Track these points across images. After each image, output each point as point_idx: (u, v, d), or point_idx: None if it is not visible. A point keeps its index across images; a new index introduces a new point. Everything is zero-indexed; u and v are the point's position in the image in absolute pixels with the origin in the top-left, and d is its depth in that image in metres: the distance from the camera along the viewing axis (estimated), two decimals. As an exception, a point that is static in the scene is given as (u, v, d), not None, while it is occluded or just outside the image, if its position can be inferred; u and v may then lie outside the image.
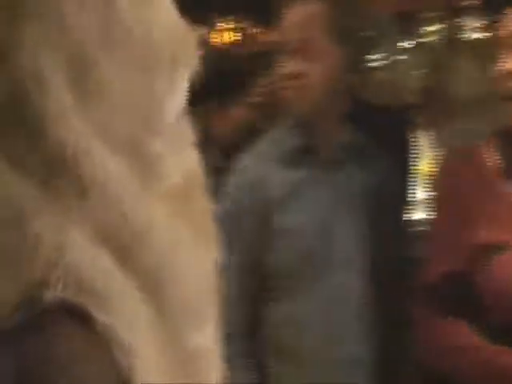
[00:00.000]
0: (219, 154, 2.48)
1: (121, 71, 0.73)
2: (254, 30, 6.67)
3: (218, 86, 2.52)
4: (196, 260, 0.78)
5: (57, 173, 0.69)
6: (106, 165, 0.70)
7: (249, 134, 2.45)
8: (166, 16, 0.79)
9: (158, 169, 0.75)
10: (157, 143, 0.75)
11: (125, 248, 0.70)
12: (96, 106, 0.71)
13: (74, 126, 0.68)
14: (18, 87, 0.69)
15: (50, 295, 0.66)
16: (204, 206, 0.81)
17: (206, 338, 0.80)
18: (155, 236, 0.72)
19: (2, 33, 0.69)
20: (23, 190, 0.67)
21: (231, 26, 6.82)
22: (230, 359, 2.20)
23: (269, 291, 2.20)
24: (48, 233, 0.67)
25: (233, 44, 6.70)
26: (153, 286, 0.71)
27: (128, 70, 0.73)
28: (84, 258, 0.67)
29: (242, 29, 6.86)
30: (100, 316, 0.66)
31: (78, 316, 0.66)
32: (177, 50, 0.78)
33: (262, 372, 2.21)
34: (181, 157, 0.78)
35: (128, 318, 0.68)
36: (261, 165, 2.21)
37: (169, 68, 0.77)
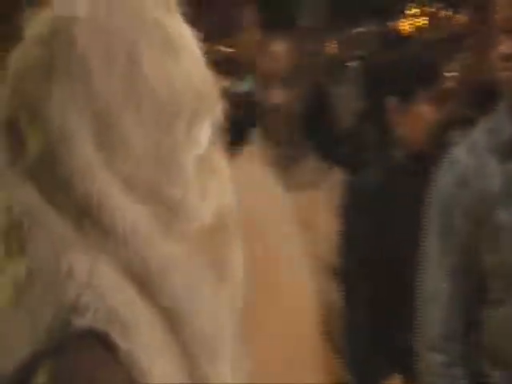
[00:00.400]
0: (408, 158, 2.35)
1: (141, 125, 0.78)
2: (444, 14, 6.48)
3: (401, 78, 2.38)
4: (215, 299, 0.82)
5: (85, 215, 0.76)
6: (125, 211, 0.77)
7: (444, 131, 2.30)
8: (191, 68, 0.82)
9: (180, 213, 0.80)
10: (177, 190, 0.80)
11: (145, 284, 0.77)
12: (118, 157, 0.77)
13: (97, 176, 0.76)
14: (48, 142, 0.76)
15: (79, 321, 0.72)
16: (233, 243, 0.86)
17: (220, 373, 0.82)
18: (173, 276, 0.78)
19: (35, 90, 0.77)
20: (60, 228, 0.76)
21: (419, 10, 6.66)
22: (439, 367, 2.14)
23: (487, 293, 2.08)
24: (80, 263, 0.75)
25: (421, 29, 6.53)
26: (169, 319, 0.78)
27: (148, 123, 0.78)
28: (110, 285, 0.75)
29: (430, 13, 6.67)
30: (122, 344, 0.73)
31: (102, 342, 0.72)
32: (198, 104, 0.82)
33: (478, 381, 2.10)
34: (210, 197, 0.84)
35: (147, 345, 0.74)
36: (474, 158, 2.06)
37: (187, 122, 0.81)
